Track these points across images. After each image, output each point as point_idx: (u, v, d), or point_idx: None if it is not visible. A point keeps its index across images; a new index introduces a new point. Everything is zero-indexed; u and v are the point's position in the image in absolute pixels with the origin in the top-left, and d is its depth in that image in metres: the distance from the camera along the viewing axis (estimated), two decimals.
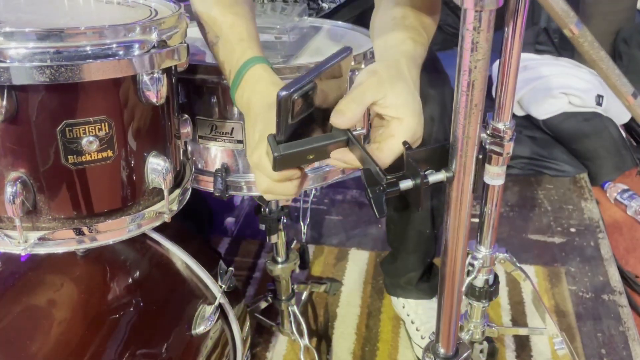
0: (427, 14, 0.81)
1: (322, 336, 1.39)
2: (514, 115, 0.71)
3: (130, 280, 0.89)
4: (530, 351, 1.34)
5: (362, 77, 0.67)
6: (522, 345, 1.35)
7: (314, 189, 1.64)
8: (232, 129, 0.86)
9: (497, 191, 0.78)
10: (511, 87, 0.69)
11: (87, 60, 0.61)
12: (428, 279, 1.37)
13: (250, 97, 0.73)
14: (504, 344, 1.35)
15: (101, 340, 0.78)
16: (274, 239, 1.13)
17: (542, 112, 2.11)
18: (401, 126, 0.65)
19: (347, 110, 0.63)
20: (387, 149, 0.65)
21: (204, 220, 1.63)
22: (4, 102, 0.60)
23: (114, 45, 0.63)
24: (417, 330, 1.34)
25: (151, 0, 0.79)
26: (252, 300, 1.32)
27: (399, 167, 0.62)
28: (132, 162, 0.70)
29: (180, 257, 0.94)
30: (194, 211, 1.18)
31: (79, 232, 0.70)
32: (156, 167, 0.72)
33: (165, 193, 0.73)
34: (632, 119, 2.17)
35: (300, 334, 1.23)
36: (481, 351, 0.98)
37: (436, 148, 0.60)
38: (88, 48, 0.61)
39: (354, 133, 0.64)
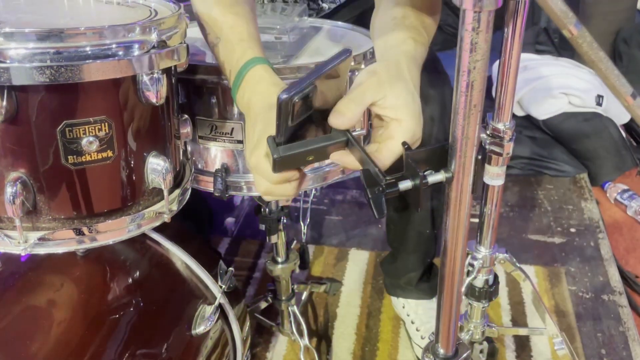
0: (427, 13, 0.81)
1: (322, 336, 1.39)
2: (514, 116, 0.71)
3: (130, 280, 0.89)
4: (530, 351, 1.34)
5: (362, 77, 0.67)
6: (522, 345, 1.35)
7: (313, 189, 1.64)
8: (232, 129, 0.87)
9: (497, 191, 0.78)
10: (511, 87, 0.69)
11: (87, 61, 0.61)
12: (428, 279, 1.37)
13: (251, 97, 0.74)
14: (504, 344, 1.35)
15: (101, 341, 0.78)
16: (274, 239, 1.13)
17: (542, 112, 2.11)
18: (400, 127, 0.65)
19: (346, 110, 0.63)
20: (386, 151, 0.65)
21: (204, 220, 1.63)
22: (4, 103, 0.60)
23: (114, 46, 0.63)
24: (417, 330, 1.34)
25: (151, 0, 0.79)
26: (252, 301, 1.32)
27: (398, 167, 0.62)
28: (132, 162, 0.70)
29: (180, 257, 0.94)
30: (194, 211, 1.18)
31: (79, 232, 0.70)
32: (156, 167, 0.72)
33: (165, 193, 0.73)
34: (632, 119, 2.17)
35: (300, 334, 1.23)
36: (481, 351, 0.98)
37: (435, 149, 0.60)
38: (88, 48, 0.61)
39: (354, 134, 0.64)
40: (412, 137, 0.66)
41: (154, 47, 0.66)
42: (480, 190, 0.75)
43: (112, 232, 0.72)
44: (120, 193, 0.71)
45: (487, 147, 0.72)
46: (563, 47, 2.42)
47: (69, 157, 0.65)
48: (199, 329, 0.88)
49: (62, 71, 0.59)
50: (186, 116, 0.81)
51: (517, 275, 0.91)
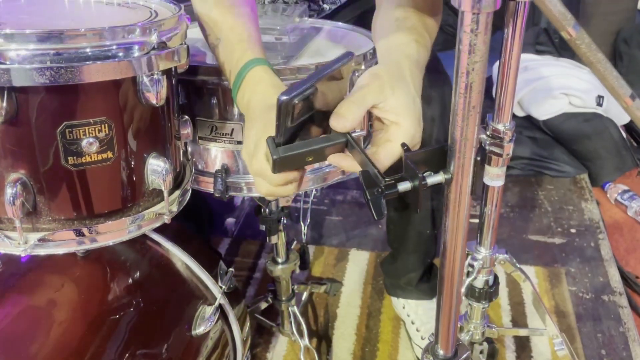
0: (429, 14, 0.81)
1: (322, 337, 1.39)
2: (514, 116, 0.71)
3: (130, 281, 0.89)
4: (531, 352, 1.34)
5: (364, 79, 0.67)
6: (522, 346, 1.35)
7: (314, 190, 1.64)
8: (232, 129, 0.87)
9: (497, 192, 0.78)
10: (511, 88, 0.69)
11: (87, 62, 0.61)
12: (428, 280, 1.37)
13: (251, 98, 0.74)
14: (504, 345, 1.35)
15: (101, 341, 0.78)
16: (274, 239, 1.13)
17: (543, 112, 2.11)
18: (400, 131, 0.66)
19: (347, 113, 0.63)
20: (385, 153, 0.65)
21: (204, 220, 1.63)
22: (4, 104, 0.60)
23: (114, 47, 0.63)
24: (417, 330, 1.34)
25: (151, 1, 0.79)
26: (252, 301, 1.32)
27: (397, 168, 0.62)
28: (132, 163, 0.70)
29: (180, 257, 0.95)
30: (194, 212, 1.18)
31: (79, 233, 0.70)
32: (156, 168, 0.72)
33: (165, 194, 0.74)
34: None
35: (301, 335, 1.23)
36: (481, 352, 0.98)
37: (435, 150, 0.60)
38: (88, 50, 0.61)
39: (354, 135, 0.64)
40: (411, 140, 0.66)
41: (154, 48, 0.66)
42: (480, 190, 0.75)
43: (112, 233, 0.72)
44: (121, 194, 0.71)
45: (487, 147, 0.72)
46: (563, 48, 2.42)
47: (69, 158, 0.65)
48: (199, 330, 0.88)
49: (62, 72, 0.60)
50: (186, 117, 0.81)
51: (517, 275, 0.91)
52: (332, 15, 1.26)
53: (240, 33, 0.78)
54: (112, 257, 0.89)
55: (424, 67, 0.76)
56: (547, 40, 2.46)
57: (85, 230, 0.70)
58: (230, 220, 1.81)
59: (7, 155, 0.64)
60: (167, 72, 0.70)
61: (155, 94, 0.67)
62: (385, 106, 0.66)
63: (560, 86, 2.11)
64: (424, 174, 0.59)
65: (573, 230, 1.80)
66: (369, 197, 0.58)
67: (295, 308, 1.24)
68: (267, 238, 1.12)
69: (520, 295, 1.51)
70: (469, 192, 0.60)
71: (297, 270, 1.23)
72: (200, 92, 0.87)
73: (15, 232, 0.67)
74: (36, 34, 0.59)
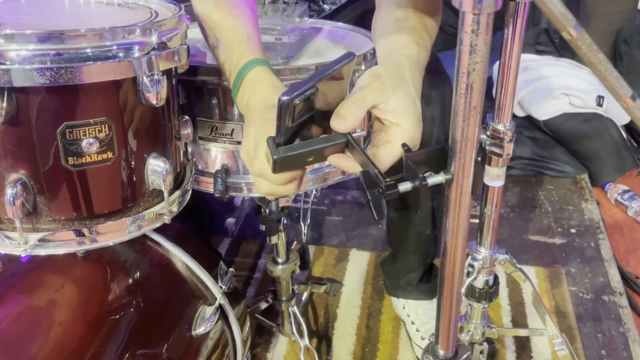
0: (429, 15, 0.81)
1: (322, 337, 1.39)
2: (514, 116, 0.71)
3: (130, 281, 0.89)
4: (531, 352, 1.34)
5: (365, 80, 0.67)
6: (523, 346, 1.35)
7: (314, 190, 1.64)
8: (232, 130, 0.87)
9: (497, 192, 0.78)
10: (511, 88, 0.69)
11: (87, 62, 0.61)
12: (428, 280, 1.37)
13: (250, 99, 0.74)
14: (504, 345, 1.35)
15: (101, 341, 0.78)
16: (274, 239, 1.13)
17: (543, 112, 2.11)
18: (400, 132, 0.66)
19: (348, 114, 0.63)
20: (384, 155, 0.65)
21: (205, 221, 1.63)
22: (5, 104, 0.60)
23: (114, 47, 0.63)
24: (418, 331, 1.34)
25: (151, 1, 0.79)
26: (252, 301, 1.32)
27: (398, 168, 0.62)
28: (132, 163, 0.70)
29: (180, 257, 0.94)
30: (194, 212, 1.18)
31: (79, 234, 0.70)
32: (156, 169, 0.72)
33: (165, 194, 0.74)
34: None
35: (301, 335, 1.23)
36: (481, 352, 0.98)
37: (435, 150, 0.60)
38: (88, 50, 0.61)
39: (354, 135, 0.64)
40: (411, 141, 0.66)
41: (154, 48, 0.66)
42: (480, 191, 0.75)
43: (113, 233, 0.72)
44: (121, 194, 0.71)
45: (487, 148, 0.72)
46: (564, 48, 2.42)
47: (69, 158, 0.65)
48: (199, 330, 0.88)
49: (63, 73, 0.59)
50: (186, 117, 0.81)
51: (517, 276, 0.91)
52: (332, 16, 1.26)
53: (240, 34, 0.78)
54: (112, 258, 0.89)
55: (424, 68, 0.76)
56: (547, 40, 2.46)
57: (85, 231, 0.70)
58: (230, 221, 1.80)
59: (7, 156, 0.64)
60: (168, 73, 0.70)
61: (156, 94, 0.67)
62: (385, 107, 0.66)
63: (560, 86, 2.11)
64: (425, 175, 0.59)
65: (573, 231, 1.80)
66: (369, 198, 0.58)
67: (295, 308, 1.24)
68: (267, 238, 1.12)
69: (520, 296, 1.51)
70: (469, 193, 0.60)
71: (297, 271, 1.23)
72: (201, 93, 0.87)
73: (16, 232, 0.67)
74: (36, 34, 0.59)
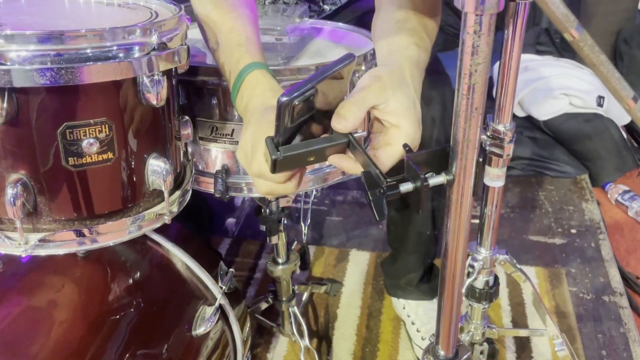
0: (429, 16, 0.81)
1: (322, 337, 1.39)
2: (514, 116, 0.71)
3: (130, 281, 0.89)
4: (531, 352, 1.34)
5: (365, 80, 0.67)
6: (523, 346, 1.35)
7: (314, 190, 1.64)
8: (233, 130, 0.86)
9: (497, 192, 0.78)
10: (511, 88, 0.69)
11: (88, 63, 0.61)
12: (428, 280, 1.37)
13: (249, 101, 0.74)
14: (505, 345, 1.35)
15: (102, 341, 0.78)
16: (274, 240, 1.13)
17: (543, 113, 2.11)
18: (399, 134, 0.66)
19: (347, 114, 0.63)
20: (385, 156, 0.65)
21: (205, 221, 1.63)
22: (5, 104, 0.60)
23: (114, 48, 0.63)
24: (418, 331, 1.34)
25: (151, 2, 0.79)
26: (252, 301, 1.32)
27: (398, 169, 0.62)
28: (133, 163, 0.70)
29: (180, 258, 0.94)
30: (194, 212, 1.18)
31: (80, 234, 0.70)
32: (156, 169, 0.72)
33: (166, 195, 0.73)
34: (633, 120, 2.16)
35: (301, 335, 1.23)
36: (481, 352, 0.98)
37: (436, 151, 0.60)
38: (88, 50, 0.61)
39: (355, 135, 0.64)
40: (411, 142, 0.66)
41: (154, 49, 0.66)
42: (480, 191, 0.75)
43: (113, 233, 0.72)
44: (121, 194, 0.71)
45: (487, 148, 0.72)
46: (564, 48, 2.42)
47: (69, 158, 0.65)
48: (200, 330, 0.88)
49: (63, 73, 0.59)
50: (187, 117, 0.81)
51: (517, 276, 0.91)
52: (332, 16, 1.26)
53: (239, 36, 0.78)
54: (113, 258, 0.89)
55: (424, 70, 0.76)
56: (547, 40, 2.46)
57: (85, 231, 0.70)
58: (230, 221, 1.80)
59: (7, 156, 0.64)
60: (168, 73, 0.70)
61: (156, 94, 0.67)
62: (385, 108, 0.66)
63: (560, 86, 2.11)
64: (426, 175, 0.59)
65: (573, 231, 1.79)
66: (370, 198, 0.58)
67: (295, 308, 1.24)
68: (268, 238, 1.12)
69: (520, 296, 1.51)
70: (470, 194, 0.60)
71: (298, 271, 1.23)
72: (201, 93, 0.87)
73: (16, 232, 0.67)
74: (37, 34, 0.59)
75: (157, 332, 0.85)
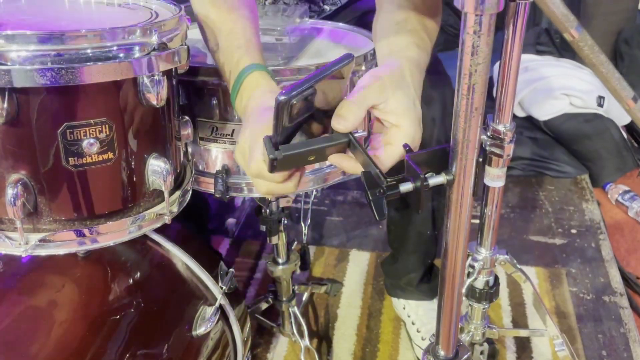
0: (429, 16, 0.81)
1: (322, 337, 1.39)
2: (514, 116, 0.71)
3: (131, 281, 0.89)
4: (531, 352, 1.34)
5: (366, 80, 0.67)
6: (523, 346, 1.35)
7: (314, 190, 1.64)
8: (233, 130, 0.87)
9: (497, 193, 0.78)
10: (511, 89, 0.69)
11: (88, 63, 0.61)
12: (429, 280, 1.37)
13: (247, 103, 0.74)
14: (505, 345, 1.35)
15: (102, 341, 0.78)
16: (274, 240, 1.13)
17: (543, 113, 2.11)
18: (400, 133, 0.66)
19: (348, 113, 0.63)
20: (385, 156, 0.65)
21: (205, 221, 1.63)
22: (5, 105, 0.60)
23: (115, 48, 0.63)
24: (418, 331, 1.34)
25: (152, 2, 0.79)
26: (252, 301, 1.32)
27: (398, 169, 0.62)
28: (133, 164, 0.70)
29: (180, 258, 0.94)
30: (194, 212, 1.18)
31: (80, 234, 0.70)
32: (156, 169, 0.72)
33: (166, 195, 0.74)
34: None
35: (301, 335, 1.23)
36: (482, 352, 0.98)
37: (436, 151, 0.60)
38: (89, 50, 0.61)
39: (356, 135, 0.64)
40: (411, 143, 0.66)
41: (154, 49, 0.66)
42: (480, 191, 0.75)
43: (113, 233, 0.72)
44: (121, 194, 0.71)
45: (487, 148, 0.72)
46: (564, 48, 2.42)
47: (69, 158, 0.65)
48: (200, 330, 0.88)
49: (63, 73, 0.59)
50: (187, 118, 0.81)
51: (517, 276, 0.91)
52: (332, 16, 1.26)
53: (238, 38, 0.78)
54: (113, 258, 0.89)
55: (424, 70, 0.77)
56: (548, 40, 2.46)
57: (86, 231, 0.70)
58: (230, 221, 1.80)
59: (8, 156, 0.64)
60: (168, 73, 0.70)
61: (156, 94, 0.67)
62: (385, 108, 0.66)
63: (561, 87, 2.11)
64: (426, 175, 0.59)
65: (574, 231, 1.79)
66: (370, 198, 0.58)
67: (295, 308, 1.24)
68: (268, 239, 1.12)
69: (520, 296, 1.51)
70: (470, 194, 0.60)
71: (298, 271, 1.23)
72: (201, 93, 0.87)
73: (16, 232, 0.67)
74: (37, 35, 0.59)
75: (158, 332, 0.85)
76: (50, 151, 0.64)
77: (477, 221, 0.83)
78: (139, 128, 0.70)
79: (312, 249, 1.68)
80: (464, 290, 0.88)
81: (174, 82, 0.75)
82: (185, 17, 0.74)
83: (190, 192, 0.83)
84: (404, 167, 0.60)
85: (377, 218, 0.58)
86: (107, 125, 0.66)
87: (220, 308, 0.93)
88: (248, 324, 1.05)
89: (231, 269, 1.00)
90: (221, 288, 0.95)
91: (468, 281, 0.87)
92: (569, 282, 1.56)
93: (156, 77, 0.67)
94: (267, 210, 1.09)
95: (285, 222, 1.13)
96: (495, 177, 0.74)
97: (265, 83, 0.74)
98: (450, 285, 0.68)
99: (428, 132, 1.04)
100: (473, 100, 0.54)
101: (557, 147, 2.11)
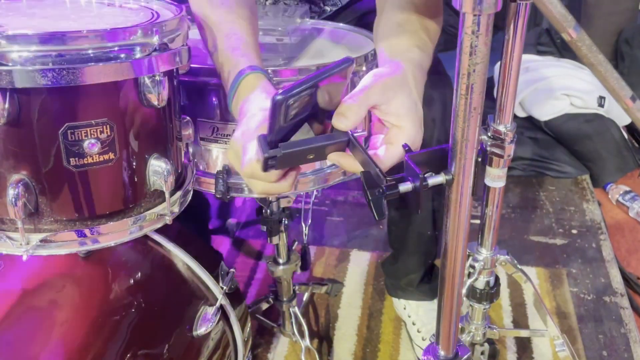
0: (430, 18, 0.81)
1: (323, 337, 1.40)
2: (515, 117, 0.71)
3: (131, 281, 0.89)
4: (532, 353, 1.34)
5: (368, 80, 0.67)
6: (524, 347, 1.35)
7: (315, 191, 1.64)
8: (234, 130, 0.86)
9: (498, 193, 0.78)
10: (512, 89, 0.69)
11: (89, 64, 0.61)
12: (429, 281, 1.37)
13: (243, 105, 0.74)
14: (505, 346, 1.35)
15: (102, 341, 0.78)
16: (275, 240, 1.13)
17: (544, 113, 2.11)
18: (401, 134, 0.66)
19: (349, 112, 0.63)
20: (385, 155, 0.66)
21: (206, 221, 1.63)
22: (7, 105, 0.60)
23: (116, 49, 0.63)
24: (419, 331, 1.34)
25: (153, 3, 0.79)
26: (253, 302, 1.32)
27: (398, 169, 0.62)
28: (134, 164, 0.70)
29: (181, 258, 0.95)
30: (195, 212, 1.18)
31: (81, 234, 0.70)
32: (157, 169, 0.72)
33: (167, 195, 0.74)
34: None
35: (302, 335, 1.23)
36: (482, 353, 0.98)
37: (436, 150, 0.60)
38: (90, 51, 0.61)
39: (356, 134, 0.64)
40: (412, 143, 0.66)
41: (155, 49, 0.66)
42: (480, 191, 0.75)
43: (114, 233, 0.72)
44: (122, 195, 0.71)
45: (488, 149, 0.72)
46: (565, 48, 2.42)
47: (70, 159, 0.65)
48: (200, 330, 0.88)
49: (64, 74, 0.60)
50: (188, 118, 0.81)
51: (518, 276, 0.91)
52: (333, 17, 1.26)
53: (236, 40, 0.78)
54: (114, 258, 0.90)
55: (426, 72, 0.77)
56: (548, 40, 2.46)
57: (87, 231, 0.70)
58: (231, 221, 1.81)
59: (9, 156, 0.64)
60: (169, 74, 0.71)
61: (157, 95, 0.68)
62: (387, 109, 0.66)
63: (561, 87, 2.11)
64: (425, 175, 0.59)
65: (574, 231, 1.79)
66: (370, 198, 0.58)
67: (296, 309, 1.24)
68: (269, 239, 1.12)
69: (521, 296, 1.51)
70: (470, 193, 0.60)
71: (299, 271, 1.23)
72: (202, 93, 0.87)
73: (17, 232, 0.67)
74: (38, 35, 0.59)
75: (158, 333, 0.86)
76: (51, 152, 0.64)
77: (478, 221, 0.83)
78: (140, 128, 0.70)
79: (312, 249, 1.69)
80: (464, 291, 0.88)
81: (175, 83, 0.75)
82: (187, 17, 0.75)
83: (192, 192, 0.83)
84: (403, 168, 0.60)
85: (377, 218, 0.58)
86: (108, 126, 0.66)
87: (221, 308, 0.94)
88: (249, 324, 1.05)
89: (232, 269, 1.01)
90: (222, 288, 0.96)
91: (469, 281, 0.87)
92: (569, 283, 1.56)
93: (157, 78, 0.67)
94: (268, 211, 1.09)
95: (286, 222, 1.13)
96: (496, 178, 0.74)
97: (261, 85, 0.75)
98: (450, 285, 0.69)
99: (428, 132, 1.04)
100: (472, 100, 0.54)
101: (558, 148, 2.11)
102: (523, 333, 1.33)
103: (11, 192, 0.63)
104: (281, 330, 1.29)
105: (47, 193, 0.66)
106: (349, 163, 0.65)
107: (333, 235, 1.78)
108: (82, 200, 0.68)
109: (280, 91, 0.57)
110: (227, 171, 0.89)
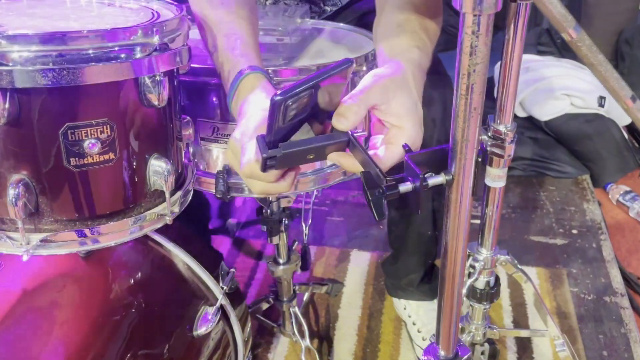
0: (430, 18, 0.81)
1: (323, 337, 1.40)
2: (515, 117, 0.71)
3: (132, 281, 0.89)
4: (532, 353, 1.34)
5: (368, 80, 0.67)
6: (524, 347, 1.35)
7: (315, 191, 1.64)
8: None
9: (498, 193, 0.78)
10: (512, 89, 0.69)
11: (89, 64, 0.61)
12: (429, 281, 1.37)
13: (242, 105, 0.74)
14: (506, 346, 1.35)
15: (103, 341, 0.78)
16: (275, 240, 1.13)
17: (544, 113, 2.11)
18: (401, 134, 0.66)
19: (348, 112, 0.63)
20: (385, 156, 0.66)
21: (206, 221, 1.63)
22: (7, 105, 0.60)
23: (116, 48, 0.63)
24: (419, 331, 1.34)
25: (153, 3, 0.79)
26: (253, 302, 1.32)
27: (398, 169, 0.62)
28: (134, 164, 0.70)
29: (181, 258, 0.95)
30: (195, 212, 1.18)
31: (81, 234, 0.70)
32: (158, 169, 0.72)
33: (167, 195, 0.74)
34: None
35: (302, 335, 1.23)
36: (482, 353, 0.98)
37: (436, 151, 0.60)
38: (90, 51, 0.61)
39: (356, 134, 0.64)
40: (412, 144, 0.66)
41: (155, 49, 0.66)
42: (481, 191, 0.75)
43: (114, 233, 0.72)
44: (122, 195, 0.71)
45: (488, 149, 0.72)
46: (565, 48, 2.42)
47: (71, 159, 0.65)
48: (201, 330, 0.88)
49: (65, 74, 0.60)
50: (188, 118, 0.81)
51: (518, 276, 0.91)
52: (333, 17, 1.26)
53: (236, 40, 0.78)
54: (114, 258, 0.90)
55: (425, 73, 0.77)
56: (549, 40, 2.46)
57: (87, 231, 0.70)
58: (231, 221, 1.81)
59: (9, 156, 0.64)
60: (169, 74, 0.71)
61: (157, 95, 0.68)
62: (387, 109, 0.66)
63: (562, 87, 2.11)
64: (425, 175, 0.59)
65: (575, 231, 1.79)
66: (370, 198, 0.58)
67: (296, 309, 1.24)
68: (269, 239, 1.12)
69: (521, 296, 1.51)
70: (470, 193, 0.60)
71: (299, 271, 1.23)
72: (202, 93, 0.87)
73: (18, 232, 0.67)
74: (39, 35, 0.59)
75: (158, 333, 0.86)
76: (51, 151, 0.64)
77: (478, 221, 0.83)
78: (140, 128, 0.70)
79: (313, 249, 1.69)
80: (464, 291, 0.88)
81: (175, 83, 0.75)
82: (187, 17, 0.75)
83: (192, 192, 0.83)
84: (403, 168, 0.60)
85: (377, 218, 0.58)
86: (108, 126, 0.66)
87: (221, 308, 0.94)
88: (249, 324, 1.05)
89: (232, 269, 1.01)
90: (222, 288, 0.96)
91: (469, 281, 0.87)
92: (569, 283, 1.56)
93: (157, 78, 0.67)
94: (268, 211, 1.09)
95: (286, 222, 1.13)
96: (496, 178, 0.74)
97: (260, 85, 0.75)
98: (450, 285, 0.69)
99: (428, 132, 1.04)
100: (472, 100, 0.54)
101: (558, 148, 2.11)
102: (523, 333, 1.33)
103: (11, 192, 0.63)
104: (281, 330, 1.29)
105: (48, 193, 0.66)
106: (349, 163, 0.65)
107: (333, 235, 1.78)
108: (82, 200, 0.68)
109: (279, 92, 0.57)
110: (228, 171, 0.89)
